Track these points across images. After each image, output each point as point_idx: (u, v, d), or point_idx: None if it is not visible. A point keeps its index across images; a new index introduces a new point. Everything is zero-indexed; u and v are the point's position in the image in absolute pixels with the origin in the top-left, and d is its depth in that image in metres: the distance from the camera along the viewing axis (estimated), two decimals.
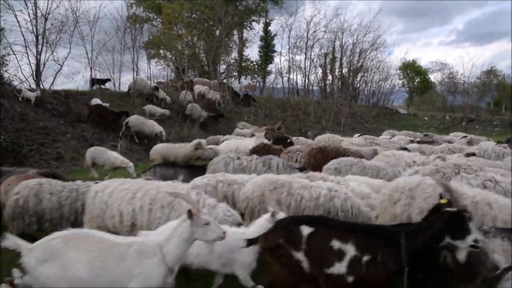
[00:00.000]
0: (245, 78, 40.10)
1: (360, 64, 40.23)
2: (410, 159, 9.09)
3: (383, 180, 6.83)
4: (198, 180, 5.88)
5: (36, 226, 5.47)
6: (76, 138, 15.74)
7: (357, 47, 39.32)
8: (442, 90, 48.58)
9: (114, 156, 11.56)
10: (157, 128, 17.16)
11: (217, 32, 34.17)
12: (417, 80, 49.26)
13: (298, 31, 38.05)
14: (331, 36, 38.66)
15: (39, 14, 21.75)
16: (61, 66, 23.15)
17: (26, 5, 21.44)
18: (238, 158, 8.24)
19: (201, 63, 35.53)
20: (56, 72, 23.10)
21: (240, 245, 3.76)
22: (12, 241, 3.28)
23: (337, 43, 39.14)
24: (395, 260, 3.26)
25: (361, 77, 42.13)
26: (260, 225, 4.05)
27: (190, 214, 3.32)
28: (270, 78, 40.92)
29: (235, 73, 39.28)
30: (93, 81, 22.75)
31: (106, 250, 3.22)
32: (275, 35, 40.67)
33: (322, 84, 41.15)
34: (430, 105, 55.74)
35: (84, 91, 20.86)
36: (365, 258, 3.31)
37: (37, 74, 22.22)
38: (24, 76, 20.59)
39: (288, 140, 12.76)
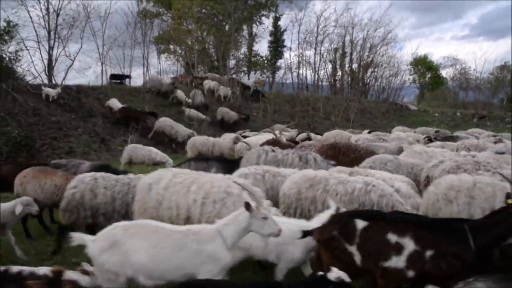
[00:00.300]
0: (255, 73, 40.15)
1: (370, 59, 39.96)
2: (441, 155, 8.78)
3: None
4: (246, 169, 6.21)
5: (91, 220, 5.63)
6: (87, 132, 16.01)
7: (368, 42, 39.07)
8: (454, 86, 48.02)
9: (154, 152, 11.80)
10: (184, 132, 17.29)
11: (227, 27, 34.21)
12: (428, 75, 48.69)
13: (308, 26, 38.06)
14: (341, 31, 38.48)
15: (51, 10, 22.10)
16: (73, 61, 23.52)
17: (39, 1, 21.80)
18: (273, 151, 8.23)
19: (211, 58, 35.64)
20: (67, 67, 23.49)
21: (295, 236, 3.89)
22: (78, 237, 3.51)
23: (347, 38, 38.97)
24: (465, 255, 3.24)
25: (371, 72, 41.87)
26: (321, 220, 4.12)
27: (248, 206, 3.51)
28: (280, 73, 40.91)
29: (245, 68, 39.34)
30: (113, 77, 22.96)
31: (165, 238, 3.43)
32: (285, 30, 40.60)
33: (332, 80, 40.99)
34: (441, 101, 55.12)
35: (95, 86, 21.13)
36: (429, 252, 3.29)
37: (49, 69, 22.61)
38: (37, 71, 20.89)
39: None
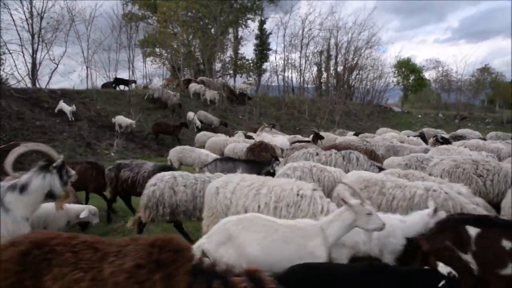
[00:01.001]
0: (241, 77, 40.34)
1: (355, 62, 40.57)
2: (468, 154, 9.10)
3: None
4: (295, 164, 6.62)
5: (169, 217, 5.74)
6: (72, 136, 15.93)
7: (352, 45, 39.70)
8: (437, 88, 49.01)
9: (205, 154, 11.26)
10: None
11: (212, 30, 34.33)
12: (412, 78, 49.53)
13: (293, 29, 38.46)
14: (326, 34, 38.99)
15: (34, 13, 21.89)
16: (57, 65, 23.32)
17: (22, 4, 21.57)
18: (317, 154, 8.49)
19: (197, 62, 35.71)
20: (52, 71, 23.26)
21: (395, 230, 4.08)
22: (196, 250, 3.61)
23: (332, 41, 39.49)
24: None
25: (356, 75, 42.47)
26: (420, 217, 4.29)
27: (346, 203, 3.74)
28: (265, 76, 41.20)
29: (231, 72, 39.50)
30: (117, 81, 22.59)
31: (274, 231, 3.63)
32: (270, 33, 40.90)
33: (317, 82, 41.44)
34: (425, 103, 56.14)
35: (80, 90, 21.00)
36: None
37: (33, 73, 22.39)
38: (20, 75, 20.70)
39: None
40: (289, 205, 4.59)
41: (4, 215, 3.86)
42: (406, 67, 49.19)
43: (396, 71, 49.12)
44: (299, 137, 16.76)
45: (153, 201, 5.65)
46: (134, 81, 26.73)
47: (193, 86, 25.81)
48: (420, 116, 38.86)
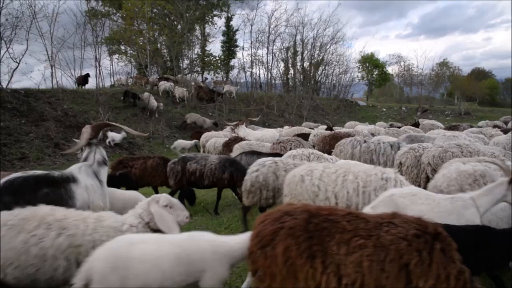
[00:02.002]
0: (208, 73, 40.26)
1: (320, 57, 41.38)
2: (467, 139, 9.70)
3: None
4: (294, 151, 7.41)
5: (272, 200, 6.10)
6: (40, 137, 15.55)
7: (318, 41, 40.44)
8: (399, 82, 50.72)
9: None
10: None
11: (179, 27, 34.07)
12: (376, 72, 51.08)
13: (260, 26, 38.68)
14: (292, 30, 39.52)
15: None
16: (18, 64, 22.49)
17: None
18: (365, 141, 8.71)
19: (164, 59, 35.37)
20: (13, 70, 22.41)
21: None
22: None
23: (298, 37, 40.07)
24: None
25: (322, 70, 43.34)
26: None
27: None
28: (233, 72, 41.32)
29: (198, 69, 39.35)
30: (127, 94, 21.60)
31: (437, 204, 3.93)
32: (237, 30, 41.03)
33: (284, 78, 41.99)
34: (388, 97, 58.04)
35: (45, 89, 20.40)
36: None
37: None
38: None
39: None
40: (376, 189, 4.83)
41: (101, 189, 4.53)
42: (370, 62, 50.67)
43: (361, 66, 50.51)
44: (305, 129, 16.70)
45: (257, 186, 6.05)
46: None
47: (163, 84, 25.67)
48: (384, 109, 40.21)
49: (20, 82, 23.91)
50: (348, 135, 10.81)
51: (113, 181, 6.31)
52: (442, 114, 37.61)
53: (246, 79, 39.00)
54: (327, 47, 40.96)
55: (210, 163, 7.62)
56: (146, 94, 21.59)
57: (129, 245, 3.10)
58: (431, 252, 2.55)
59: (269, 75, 39.01)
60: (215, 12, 39.70)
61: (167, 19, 33.93)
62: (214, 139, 12.61)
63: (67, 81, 26.29)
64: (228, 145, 10.69)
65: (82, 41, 24.16)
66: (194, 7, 34.73)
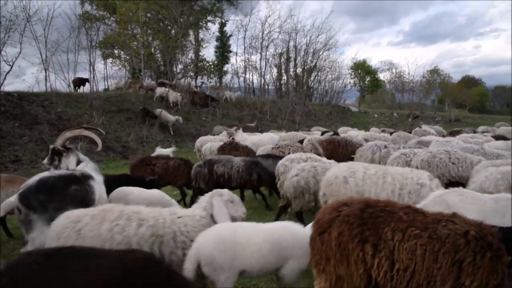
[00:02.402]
0: (201, 78, 40.39)
1: (313, 64, 41.76)
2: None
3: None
4: (292, 155, 7.56)
5: (314, 203, 6.26)
6: (33, 140, 15.54)
7: (311, 47, 40.83)
8: (391, 89, 51.33)
9: None
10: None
11: (173, 31, 34.21)
12: (367, 79, 51.67)
13: (253, 32, 39.00)
14: (285, 36, 39.86)
15: None
16: (11, 67, 22.43)
17: None
18: (385, 147, 8.91)
19: (158, 64, 35.43)
20: (6, 73, 22.34)
21: None
22: None
23: (291, 43, 40.43)
24: None
25: (315, 76, 43.73)
26: None
27: None
28: (227, 78, 41.51)
29: (192, 73, 39.45)
30: (147, 113, 21.48)
31: (483, 204, 4.04)
32: (231, 35, 41.27)
33: (278, 84, 42.28)
34: (380, 103, 58.61)
35: (39, 92, 20.35)
36: None
37: None
38: None
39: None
40: (410, 192, 5.02)
41: (100, 185, 5.04)
42: (362, 68, 51.25)
43: (353, 73, 51.06)
44: (299, 134, 16.31)
45: (299, 190, 6.21)
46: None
47: (159, 90, 25.71)
48: (376, 115, 40.65)
49: (12, 85, 23.66)
50: (344, 140, 10.99)
51: (142, 185, 6.54)
52: (432, 121, 38.13)
53: (239, 84, 39.24)
54: (320, 53, 41.40)
55: (236, 165, 7.82)
56: (158, 110, 21.51)
57: (233, 231, 3.53)
58: (483, 257, 2.71)
59: (262, 81, 39.33)
60: (209, 18, 39.95)
61: (161, 24, 34.08)
62: (210, 143, 12.73)
63: (61, 85, 26.28)
64: (223, 149, 10.81)
65: (76, 45, 24.16)
66: (188, 12, 34.93)
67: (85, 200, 4.53)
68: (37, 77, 22.52)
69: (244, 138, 13.72)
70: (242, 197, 8.21)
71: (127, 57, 33.91)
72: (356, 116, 40.05)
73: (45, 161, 5.64)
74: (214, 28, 40.58)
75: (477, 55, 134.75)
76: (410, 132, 18.65)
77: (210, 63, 40.80)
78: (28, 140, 15.46)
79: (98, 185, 4.96)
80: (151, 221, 3.74)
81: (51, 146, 5.66)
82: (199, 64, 39.18)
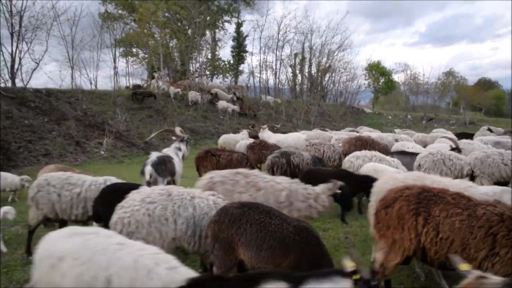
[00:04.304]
0: (217, 77, 40.98)
1: (328, 64, 42.07)
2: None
3: None
4: (357, 153, 8.55)
5: None
6: (62, 135, 16.24)
7: (326, 48, 41.16)
8: (405, 90, 51.30)
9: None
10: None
11: (189, 31, 34.84)
12: (382, 80, 51.66)
13: (269, 32, 39.48)
14: (300, 37, 40.28)
15: (14, 11, 21.82)
16: (38, 64, 23.31)
17: (1, 2, 21.49)
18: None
19: (174, 63, 36.09)
20: (32, 70, 23.24)
21: None
22: None
23: (307, 44, 40.79)
24: None
25: (329, 77, 44.03)
26: None
27: None
28: (243, 77, 42.06)
29: (207, 73, 40.08)
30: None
31: None
32: (247, 35, 41.83)
33: (292, 84, 42.69)
34: (394, 105, 58.55)
35: (66, 89, 21.14)
36: None
37: (12, 72, 22.33)
38: (9, 75, 20.74)
39: None
40: None
41: (178, 163, 7.92)
42: (376, 70, 51.24)
43: (367, 74, 51.11)
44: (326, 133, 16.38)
45: None
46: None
47: (173, 90, 26.19)
48: (390, 117, 40.76)
49: (36, 81, 24.56)
50: (371, 140, 11.43)
51: None
52: (447, 123, 38.12)
53: (254, 84, 39.73)
54: (335, 54, 41.69)
55: (306, 158, 8.62)
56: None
57: None
58: None
59: (277, 81, 39.75)
60: (225, 18, 40.55)
61: (179, 23, 34.72)
62: (243, 141, 13.17)
63: (84, 82, 27.09)
64: (253, 148, 11.40)
65: (99, 44, 24.93)
66: (206, 13, 35.51)
67: (173, 171, 7.53)
68: (62, 74, 23.32)
69: (269, 136, 14.24)
70: None
71: (145, 56, 34.65)
72: (370, 118, 40.23)
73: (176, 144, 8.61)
74: (230, 28, 41.19)
75: (494, 57, 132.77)
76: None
77: (226, 63, 41.40)
78: (57, 135, 16.16)
79: (177, 163, 7.80)
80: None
81: (185, 138, 8.71)
82: (215, 64, 39.78)
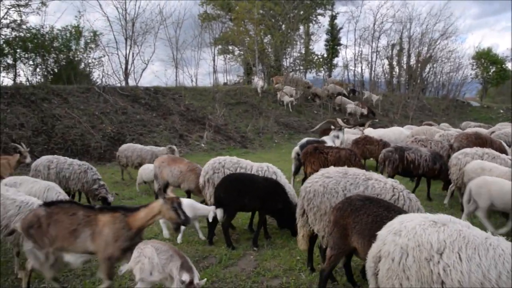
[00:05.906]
0: (310, 72, 40.83)
1: (429, 54, 39.31)
2: None
3: None
4: (467, 150, 8.10)
5: None
6: (167, 129, 17.75)
7: (426, 36, 38.50)
8: None
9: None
10: None
11: (283, 26, 35.26)
12: (493, 69, 46.77)
13: (364, 23, 38.20)
14: (398, 26, 38.26)
15: (128, 18, 24.34)
16: (147, 65, 25.76)
17: (118, 11, 24.14)
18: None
19: (268, 59, 36.85)
20: (142, 70, 25.78)
21: None
22: None
23: (405, 33, 38.64)
24: None
25: (430, 68, 41.10)
26: None
27: None
28: (337, 71, 41.30)
29: (301, 67, 40.15)
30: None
31: None
32: (341, 28, 40.96)
33: (389, 77, 40.80)
34: (507, 97, 52.63)
35: (170, 87, 23.04)
36: None
37: (126, 72, 24.96)
38: (124, 75, 23.23)
39: None
40: None
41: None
42: (486, 58, 46.54)
43: (475, 63, 46.69)
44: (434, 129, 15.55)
45: None
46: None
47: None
48: (502, 111, 36.77)
49: (143, 79, 27.15)
50: (490, 138, 10.49)
51: None
52: None
53: (348, 78, 38.80)
54: (437, 43, 38.80)
55: (424, 154, 8.51)
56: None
57: None
58: None
59: (373, 74, 38.35)
60: (319, 11, 40.18)
61: (273, 20, 35.34)
62: (346, 135, 13.09)
63: (185, 79, 29.14)
64: (358, 143, 11.39)
65: (199, 43, 26.59)
66: (300, 7, 35.59)
67: None
68: (167, 72, 25.39)
69: (369, 131, 14.03)
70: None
71: (241, 53, 35.97)
72: (477, 111, 36.73)
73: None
74: (324, 21, 40.71)
75: None
76: None
77: (319, 57, 41.07)
78: (163, 129, 17.70)
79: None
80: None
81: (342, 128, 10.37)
82: (308, 58, 39.69)
